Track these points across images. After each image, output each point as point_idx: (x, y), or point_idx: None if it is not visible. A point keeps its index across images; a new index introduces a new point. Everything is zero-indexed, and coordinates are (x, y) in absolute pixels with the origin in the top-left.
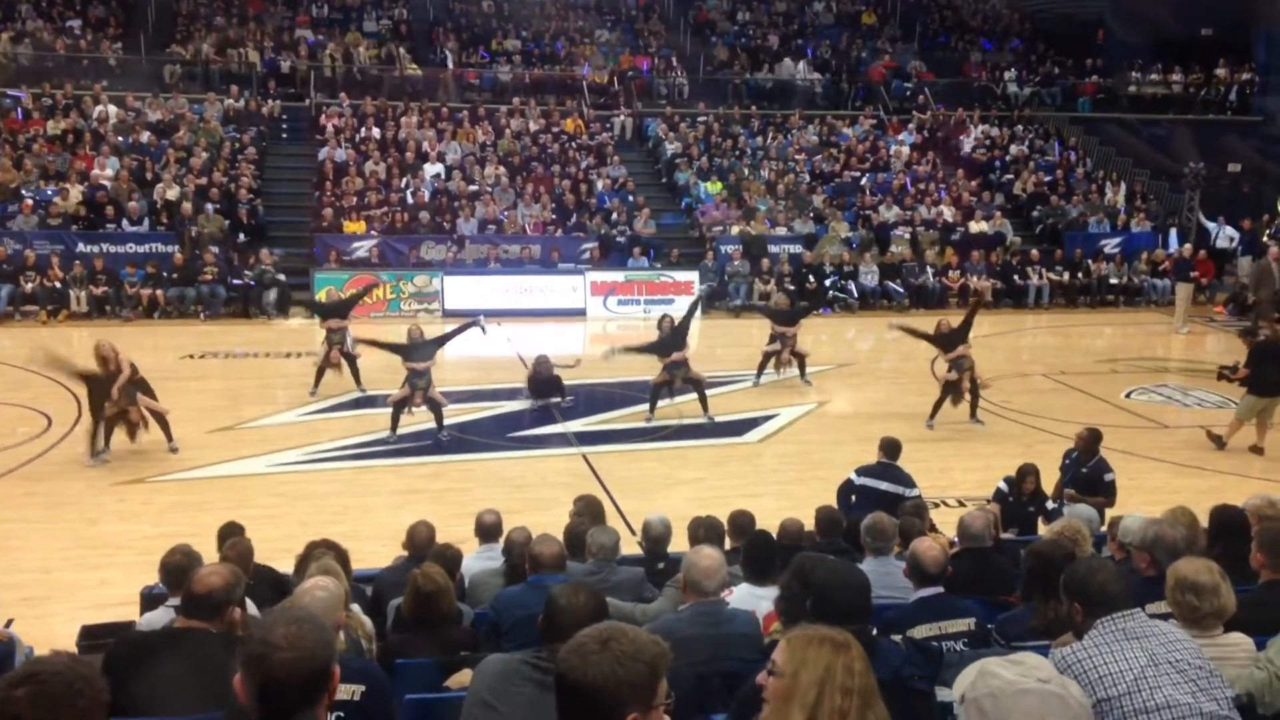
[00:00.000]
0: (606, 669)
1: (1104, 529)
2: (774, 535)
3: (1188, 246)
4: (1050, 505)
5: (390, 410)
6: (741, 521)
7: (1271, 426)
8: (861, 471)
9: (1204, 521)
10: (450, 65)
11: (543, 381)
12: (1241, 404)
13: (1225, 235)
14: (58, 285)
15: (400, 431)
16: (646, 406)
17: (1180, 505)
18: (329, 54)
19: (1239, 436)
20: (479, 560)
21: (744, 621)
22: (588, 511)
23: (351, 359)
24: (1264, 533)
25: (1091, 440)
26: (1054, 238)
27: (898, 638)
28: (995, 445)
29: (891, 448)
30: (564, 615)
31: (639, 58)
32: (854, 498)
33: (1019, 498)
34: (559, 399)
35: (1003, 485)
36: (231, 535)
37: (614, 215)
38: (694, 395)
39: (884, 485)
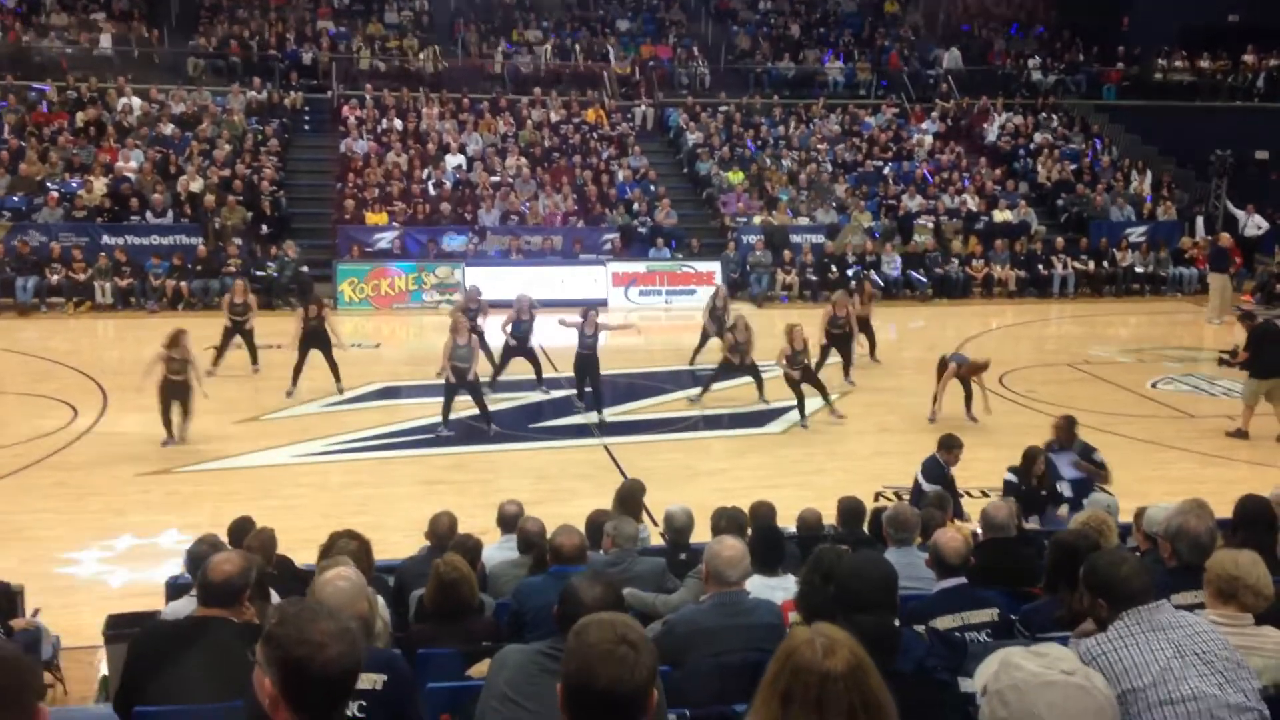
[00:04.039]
0: (651, 664)
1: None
2: (778, 526)
3: (1225, 236)
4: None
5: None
6: (762, 512)
7: None
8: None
9: (1230, 512)
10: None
11: (521, 332)
12: (1244, 389)
13: (1253, 224)
14: (83, 277)
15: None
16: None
17: (1196, 498)
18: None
19: (1265, 425)
20: (500, 551)
21: (766, 611)
22: (626, 496)
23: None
24: None
25: (1068, 428)
26: (1079, 226)
27: (921, 628)
28: (1019, 435)
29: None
30: (582, 607)
31: (660, 47)
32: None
33: (1028, 483)
34: (534, 370)
35: (1010, 476)
36: (243, 531)
37: (635, 206)
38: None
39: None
